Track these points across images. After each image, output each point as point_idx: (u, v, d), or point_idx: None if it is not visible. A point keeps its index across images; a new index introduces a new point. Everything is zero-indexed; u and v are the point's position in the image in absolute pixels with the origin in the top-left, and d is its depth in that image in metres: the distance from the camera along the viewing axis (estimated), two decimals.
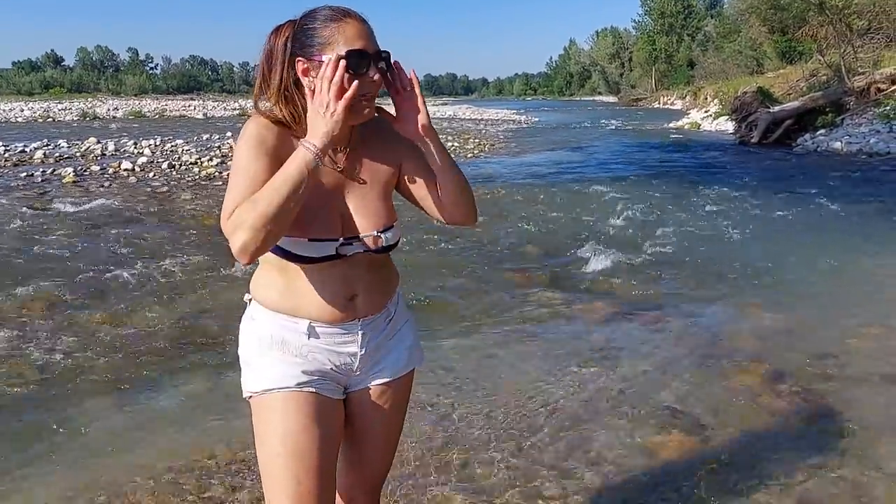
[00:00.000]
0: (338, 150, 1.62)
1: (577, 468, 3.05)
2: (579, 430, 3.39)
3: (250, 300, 1.72)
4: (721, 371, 4.11)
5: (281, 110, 1.56)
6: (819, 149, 17.79)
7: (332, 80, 1.45)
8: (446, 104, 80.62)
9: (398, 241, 1.71)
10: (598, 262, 6.56)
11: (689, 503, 2.80)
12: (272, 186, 1.42)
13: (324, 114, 1.45)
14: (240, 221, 1.41)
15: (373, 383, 1.75)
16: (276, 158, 1.50)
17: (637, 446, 3.24)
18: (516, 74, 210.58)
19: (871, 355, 4.31)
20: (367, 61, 1.50)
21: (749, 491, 2.85)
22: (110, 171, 12.97)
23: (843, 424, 3.43)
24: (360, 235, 1.62)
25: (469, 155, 18.60)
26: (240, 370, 1.72)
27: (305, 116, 1.53)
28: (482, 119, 40.34)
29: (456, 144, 20.87)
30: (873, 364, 4.16)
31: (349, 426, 1.78)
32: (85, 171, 12.77)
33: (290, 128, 1.57)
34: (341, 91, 1.45)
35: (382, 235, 1.64)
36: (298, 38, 1.54)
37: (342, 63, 1.46)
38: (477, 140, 23.15)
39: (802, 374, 4.01)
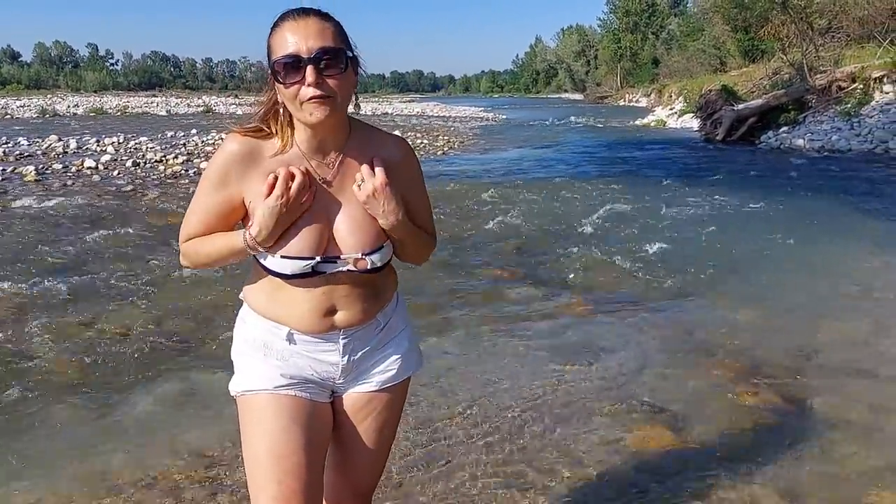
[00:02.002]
0: (325, 163, 1.58)
1: (560, 465, 3.05)
2: (561, 428, 3.39)
3: (244, 300, 1.71)
4: (698, 366, 4.16)
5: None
6: (782, 146, 18.13)
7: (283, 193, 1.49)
8: (413, 101, 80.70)
9: (389, 261, 1.66)
10: (573, 260, 6.59)
11: (671, 497, 2.82)
12: (214, 246, 1.60)
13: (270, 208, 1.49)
14: (187, 253, 1.65)
15: (359, 391, 1.72)
16: (242, 181, 1.55)
17: (618, 442, 3.26)
18: (483, 72, 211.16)
19: (840, 347, 4.42)
20: (296, 70, 1.45)
21: (727, 484, 2.89)
22: (73, 169, 12.67)
23: (816, 417, 3.51)
24: (342, 256, 1.56)
25: (439, 152, 18.58)
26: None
27: (283, 124, 1.56)
28: (451, 116, 40.35)
29: (426, 141, 20.84)
30: (843, 356, 4.27)
31: (336, 431, 1.75)
32: (47, 169, 12.45)
33: (272, 135, 1.57)
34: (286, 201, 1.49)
35: (368, 258, 1.57)
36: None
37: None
38: (447, 137, 23.13)
39: (776, 368, 4.08)
